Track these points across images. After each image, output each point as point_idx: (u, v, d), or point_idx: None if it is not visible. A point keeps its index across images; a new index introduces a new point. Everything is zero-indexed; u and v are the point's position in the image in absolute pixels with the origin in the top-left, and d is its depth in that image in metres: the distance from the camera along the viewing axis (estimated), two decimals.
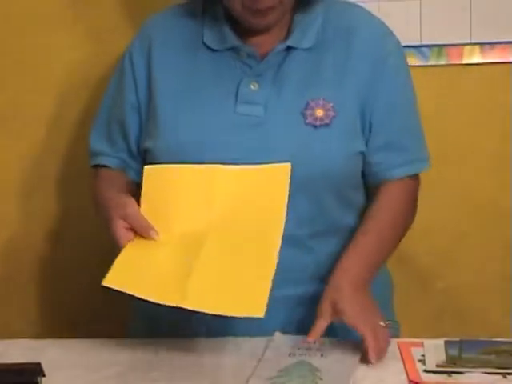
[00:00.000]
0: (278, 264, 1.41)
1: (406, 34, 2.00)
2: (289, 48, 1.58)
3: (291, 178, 1.50)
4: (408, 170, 1.64)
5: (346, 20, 1.62)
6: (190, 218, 1.48)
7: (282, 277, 1.40)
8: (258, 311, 1.33)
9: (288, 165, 1.48)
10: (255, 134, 1.56)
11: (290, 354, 1.47)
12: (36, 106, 2.13)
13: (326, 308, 1.47)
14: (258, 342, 1.52)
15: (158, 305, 1.37)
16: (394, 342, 1.51)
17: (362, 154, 1.61)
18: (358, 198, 1.67)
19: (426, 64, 2.04)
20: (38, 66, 2.11)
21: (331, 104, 1.56)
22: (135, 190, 1.60)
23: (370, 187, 1.67)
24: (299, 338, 1.51)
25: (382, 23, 1.65)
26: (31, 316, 2.21)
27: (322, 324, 1.46)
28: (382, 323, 1.47)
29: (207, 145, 1.57)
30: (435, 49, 2.04)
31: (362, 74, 1.59)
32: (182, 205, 1.50)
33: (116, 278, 1.40)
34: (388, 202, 1.62)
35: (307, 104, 1.56)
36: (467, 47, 2.05)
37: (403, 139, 1.63)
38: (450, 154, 2.08)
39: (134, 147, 1.69)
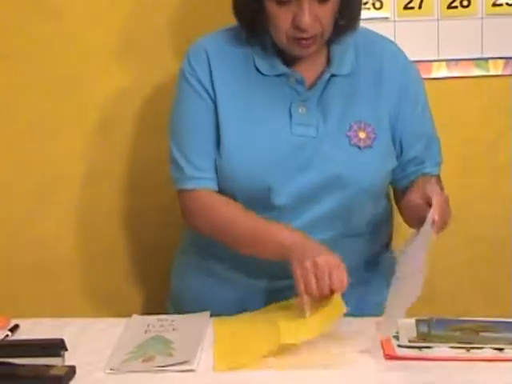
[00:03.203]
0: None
1: None
2: (331, 75, 1.75)
3: (334, 190, 1.70)
4: (437, 171, 1.82)
5: (375, 49, 1.78)
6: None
7: None
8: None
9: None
10: (309, 153, 1.72)
11: (145, 332, 1.64)
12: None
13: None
14: (116, 321, 1.69)
15: None
16: (372, 321, 1.62)
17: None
18: (385, 201, 1.87)
19: None
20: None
21: (371, 126, 1.74)
22: None
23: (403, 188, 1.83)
24: (153, 317, 1.69)
25: (402, 52, 1.82)
26: (60, 297, 2.34)
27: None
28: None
29: (269, 165, 1.71)
30: None
31: (391, 100, 1.76)
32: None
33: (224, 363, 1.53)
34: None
35: (350, 126, 1.74)
36: (435, 63, 2.21)
37: (429, 150, 1.81)
38: None
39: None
